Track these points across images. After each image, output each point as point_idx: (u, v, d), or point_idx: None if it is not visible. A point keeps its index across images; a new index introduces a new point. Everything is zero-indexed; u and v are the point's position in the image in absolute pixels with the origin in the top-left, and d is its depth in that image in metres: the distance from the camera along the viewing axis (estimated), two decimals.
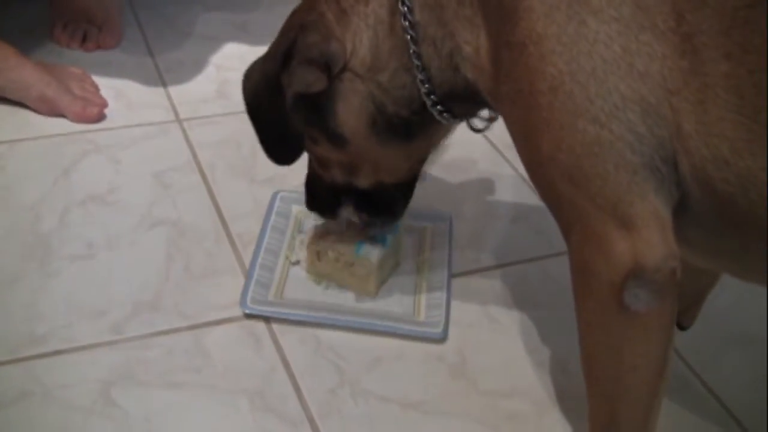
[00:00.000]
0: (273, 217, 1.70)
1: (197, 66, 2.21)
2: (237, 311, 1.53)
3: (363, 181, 1.45)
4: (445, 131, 1.42)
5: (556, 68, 1.02)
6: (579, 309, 1.13)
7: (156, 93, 2.11)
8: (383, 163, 1.41)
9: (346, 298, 1.58)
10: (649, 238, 1.02)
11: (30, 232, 1.66)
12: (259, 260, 1.61)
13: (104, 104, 2.01)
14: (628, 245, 1.02)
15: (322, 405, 1.39)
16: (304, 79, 1.28)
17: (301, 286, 1.60)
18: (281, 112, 1.31)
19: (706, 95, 0.96)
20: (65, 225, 1.68)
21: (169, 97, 2.09)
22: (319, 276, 1.60)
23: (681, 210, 1.04)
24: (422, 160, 1.48)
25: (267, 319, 1.52)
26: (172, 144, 1.94)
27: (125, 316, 1.51)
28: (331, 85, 1.30)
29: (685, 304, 1.47)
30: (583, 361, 1.17)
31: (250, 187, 1.82)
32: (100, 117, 1.98)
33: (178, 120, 2.01)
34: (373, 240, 1.56)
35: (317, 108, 1.33)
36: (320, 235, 1.59)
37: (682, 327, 1.50)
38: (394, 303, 1.57)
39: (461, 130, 1.45)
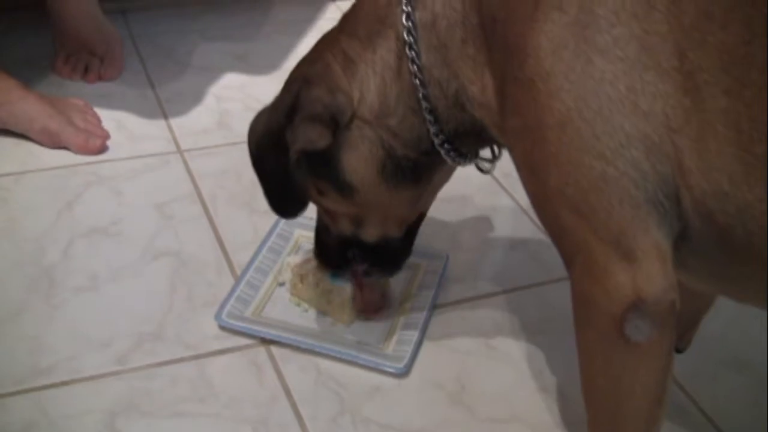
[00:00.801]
0: (272, 238, 1.73)
1: (197, 97, 2.22)
2: (239, 341, 1.54)
3: (369, 234, 1.45)
4: (448, 174, 1.43)
5: (564, 105, 1.03)
6: (580, 338, 1.14)
7: (157, 124, 2.12)
8: (391, 211, 1.42)
9: (322, 324, 1.59)
10: (650, 270, 1.03)
11: (34, 265, 1.67)
12: (247, 277, 1.64)
13: (106, 136, 2.03)
14: (629, 278, 1.04)
15: None
16: (308, 137, 1.28)
17: (282, 307, 1.62)
18: (285, 167, 1.32)
19: (706, 131, 0.97)
20: (69, 257, 1.70)
21: (170, 129, 2.11)
22: (300, 299, 1.62)
23: (682, 240, 1.05)
24: (423, 213, 1.50)
25: (268, 348, 1.54)
26: (173, 175, 1.96)
27: (129, 347, 1.52)
28: (338, 136, 1.29)
29: (681, 328, 1.48)
30: (583, 388, 1.18)
31: (251, 217, 1.84)
32: (103, 149, 2.00)
33: (179, 151, 2.03)
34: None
35: (325, 159, 1.32)
36: (307, 259, 1.61)
37: (677, 350, 1.51)
38: (366, 334, 1.58)
39: None
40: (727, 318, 1.66)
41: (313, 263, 1.58)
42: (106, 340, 1.53)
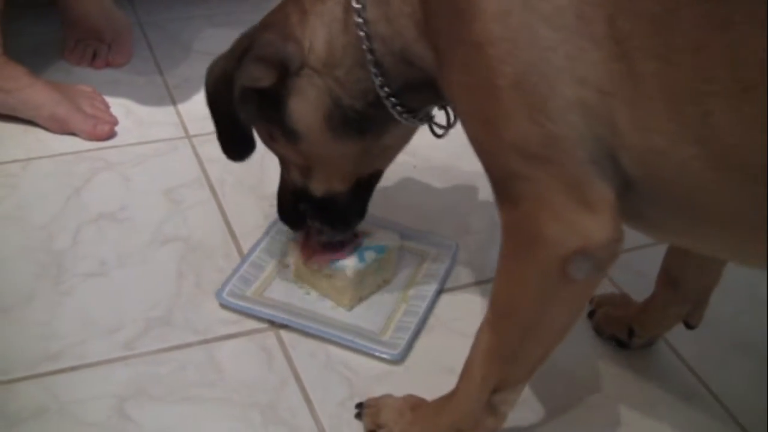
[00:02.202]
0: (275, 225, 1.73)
1: None
2: (248, 325, 1.55)
3: (316, 187, 1.49)
4: (403, 136, 1.46)
5: (514, 69, 1.06)
6: (511, 268, 1.18)
7: (165, 110, 2.13)
8: (336, 162, 1.45)
9: (322, 307, 1.60)
10: (602, 219, 1.07)
11: (43, 251, 1.68)
12: (252, 258, 1.65)
13: (115, 122, 2.03)
14: (583, 223, 1.07)
15: (333, 417, 1.41)
16: (250, 74, 1.33)
17: (284, 288, 1.63)
18: (233, 107, 1.36)
19: (638, 94, 1.01)
20: (78, 243, 1.70)
21: (178, 114, 2.11)
22: (302, 281, 1.63)
23: (632, 192, 1.08)
24: (378, 173, 1.53)
25: (278, 333, 1.54)
26: (181, 161, 1.96)
27: (138, 332, 1.52)
28: (288, 81, 1.34)
29: (691, 304, 1.49)
30: (500, 304, 1.22)
31: (260, 202, 1.84)
32: (111, 135, 2.00)
33: (188, 136, 2.03)
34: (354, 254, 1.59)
35: (275, 104, 1.37)
36: (311, 242, 1.61)
37: (689, 326, 1.52)
38: (365, 319, 1.59)
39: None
40: (737, 302, 1.66)
41: (318, 246, 1.60)
42: (115, 325, 1.53)
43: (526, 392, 1.45)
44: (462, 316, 1.59)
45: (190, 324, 1.55)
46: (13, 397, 1.40)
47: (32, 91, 1.99)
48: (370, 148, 1.43)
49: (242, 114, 1.37)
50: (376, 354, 1.51)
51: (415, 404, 1.37)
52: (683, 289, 1.47)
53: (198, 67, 2.24)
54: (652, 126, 1.01)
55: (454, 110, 1.41)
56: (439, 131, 1.46)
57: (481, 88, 1.10)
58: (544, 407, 1.45)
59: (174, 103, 2.14)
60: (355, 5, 1.25)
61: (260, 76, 1.33)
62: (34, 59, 2.14)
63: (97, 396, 1.41)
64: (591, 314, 1.60)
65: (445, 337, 1.56)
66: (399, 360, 1.51)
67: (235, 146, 1.45)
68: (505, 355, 1.22)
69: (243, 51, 1.33)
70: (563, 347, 1.53)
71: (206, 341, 1.52)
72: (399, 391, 1.41)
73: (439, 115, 1.46)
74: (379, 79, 1.30)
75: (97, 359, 1.47)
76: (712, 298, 1.56)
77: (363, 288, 1.60)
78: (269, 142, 1.47)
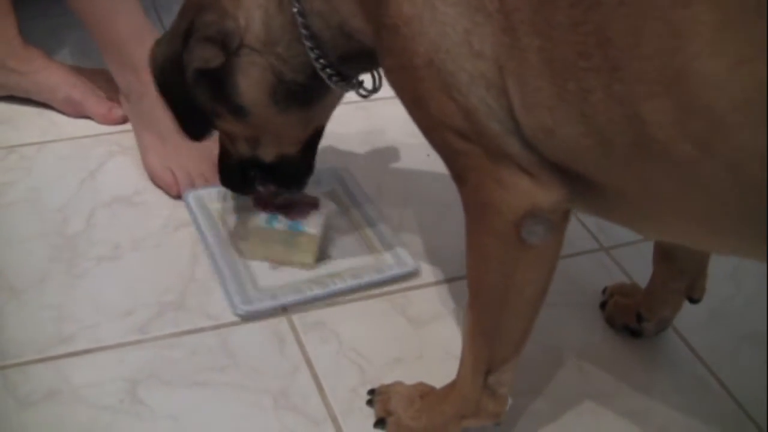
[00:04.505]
0: (201, 219, 1.71)
1: None
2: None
3: (266, 153, 1.52)
4: (338, 98, 1.50)
5: (424, 47, 1.09)
6: (474, 243, 1.20)
7: None
8: (284, 131, 1.48)
9: (303, 273, 1.62)
10: (545, 182, 1.09)
11: (57, 234, 1.68)
12: (221, 264, 1.61)
13: None
14: (527, 187, 1.09)
15: (345, 404, 1.42)
16: (202, 56, 1.35)
17: (260, 272, 1.63)
18: (186, 90, 1.39)
19: (525, 69, 1.02)
20: (92, 226, 1.70)
21: None
22: (258, 257, 1.64)
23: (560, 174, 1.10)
24: (320, 130, 1.56)
25: (290, 319, 1.54)
26: None
27: (151, 316, 1.53)
28: (229, 60, 1.36)
29: (691, 276, 1.49)
30: (472, 284, 1.23)
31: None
32: (126, 118, 1.99)
33: None
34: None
35: (219, 83, 1.39)
36: (247, 218, 1.64)
37: (693, 300, 1.51)
38: (351, 261, 1.65)
39: None
40: (747, 292, 1.66)
41: (256, 220, 1.61)
42: (128, 309, 1.54)
43: (538, 381, 1.46)
44: None
45: (203, 309, 1.55)
46: (26, 380, 1.41)
47: (47, 73, 1.99)
48: (314, 112, 1.47)
49: (199, 96, 1.41)
50: (402, 274, 1.63)
51: (424, 392, 1.37)
52: (678, 262, 1.47)
53: None
54: (539, 102, 1.02)
55: None
56: (364, 93, 1.47)
57: (404, 69, 1.14)
58: (556, 397, 1.46)
59: None
60: None
61: (209, 57, 1.35)
62: (50, 42, 2.15)
63: (109, 379, 1.42)
64: (603, 305, 1.61)
65: (456, 326, 1.56)
66: (418, 271, 1.65)
67: (194, 126, 1.49)
68: (487, 332, 1.24)
69: (185, 33, 1.35)
70: (575, 337, 1.54)
71: (219, 326, 1.52)
72: (410, 378, 1.42)
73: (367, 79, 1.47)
74: (315, 51, 1.32)
75: (109, 343, 1.48)
76: (722, 290, 1.57)
77: (268, 249, 1.62)
78: (216, 121, 1.49)
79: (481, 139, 1.09)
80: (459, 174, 1.17)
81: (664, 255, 1.48)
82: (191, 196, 1.75)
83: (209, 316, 1.54)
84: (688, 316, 1.56)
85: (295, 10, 1.29)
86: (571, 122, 1.01)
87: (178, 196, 1.77)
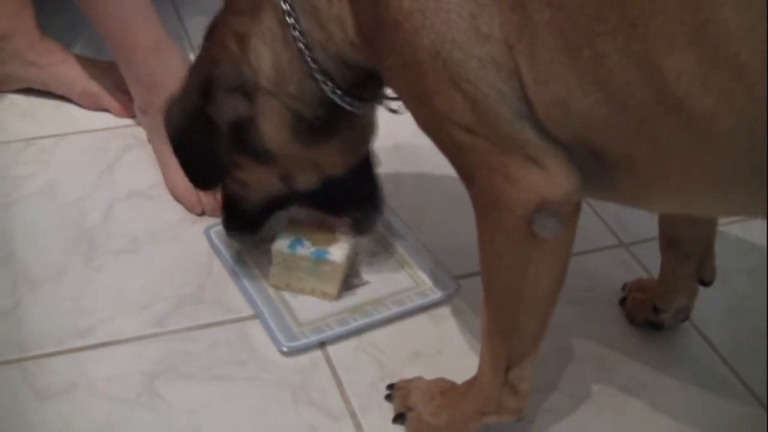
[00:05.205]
0: (226, 252, 1.65)
1: None
2: None
3: (306, 181, 1.46)
4: (369, 116, 1.46)
5: (429, 39, 1.08)
6: (485, 240, 1.19)
7: None
8: (319, 161, 1.44)
9: (343, 302, 1.57)
10: (555, 173, 1.09)
11: (75, 227, 1.68)
12: (255, 298, 1.55)
13: None
14: (536, 181, 1.09)
15: (363, 399, 1.41)
16: (233, 107, 1.33)
17: (300, 304, 1.56)
18: (208, 144, 1.37)
19: (537, 44, 1.02)
20: (109, 220, 1.70)
21: None
22: (281, 287, 1.57)
23: (570, 153, 1.10)
24: (363, 148, 1.50)
25: None
26: None
27: (169, 310, 1.53)
28: (250, 107, 1.34)
29: (697, 259, 1.48)
30: (487, 280, 1.23)
31: None
32: None
33: None
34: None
35: (244, 133, 1.36)
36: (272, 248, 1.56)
37: (704, 283, 1.51)
38: (389, 285, 1.61)
39: None
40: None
41: (279, 245, 1.54)
42: (146, 302, 1.54)
43: (557, 378, 1.45)
44: None
45: (221, 302, 1.55)
46: (43, 373, 1.41)
47: (65, 66, 1.99)
48: (349, 136, 1.43)
49: (219, 149, 1.38)
50: (445, 297, 1.59)
51: (444, 388, 1.37)
52: (684, 246, 1.47)
53: None
54: (553, 76, 1.02)
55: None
56: (394, 107, 1.44)
57: (408, 65, 1.13)
58: (575, 393, 1.45)
59: None
60: (290, 20, 1.26)
61: (241, 108, 1.34)
62: (68, 35, 2.14)
63: (127, 373, 1.42)
64: (622, 301, 1.60)
65: (475, 321, 1.55)
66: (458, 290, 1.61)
67: (208, 179, 1.48)
68: (503, 329, 1.24)
69: (202, 88, 1.34)
70: (595, 334, 1.53)
71: (237, 320, 1.52)
72: (429, 373, 1.41)
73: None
74: (329, 85, 1.30)
75: (127, 336, 1.48)
76: (740, 287, 1.56)
77: (290, 276, 1.56)
78: (236, 174, 1.45)
79: (489, 129, 1.08)
80: (466, 172, 1.16)
81: (669, 241, 1.48)
82: (213, 232, 1.68)
83: (228, 309, 1.54)
84: (707, 312, 1.56)
85: (301, 45, 1.27)
86: (586, 91, 1.01)
87: (201, 214, 1.74)
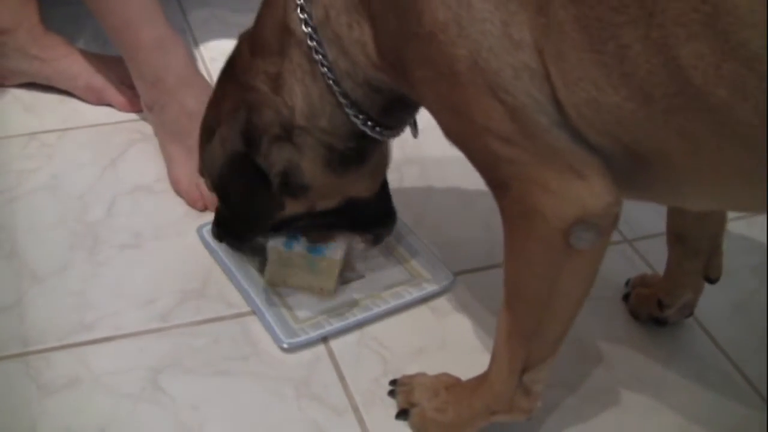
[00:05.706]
0: (223, 252, 1.63)
1: None
2: None
3: (327, 204, 1.45)
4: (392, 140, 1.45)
5: (465, 50, 1.07)
6: (516, 248, 1.18)
7: None
8: (348, 187, 1.43)
9: (341, 297, 1.57)
10: (595, 185, 1.07)
11: (78, 221, 1.68)
12: (256, 299, 1.54)
13: None
14: (577, 193, 1.07)
15: (366, 394, 1.41)
16: (284, 157, 1.32)
17: (294, 299, 1.56)
18: (253, 190, 1.34)
19: (564, 44, 1.01)
20: (113, 214, 1.71)
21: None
22: (277, 284, 1.57)
23: (604, 156, 1.09)
24: (386, 168, 1.50)
25: None
26: None
27: (173, 304, 1.53)
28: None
29: (704, 256, 1.48)
30: (511, 285, 1.22)
31: None
32: None
33: None
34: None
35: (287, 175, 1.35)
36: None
37: (710, 280, 1.51)
38: (386, 278, 1.61)
39: None
40: None
41: (275, 243, 1.54)
42: (150, 297, 1.54)
43: (564, 375, 1.45)
44: (496, 295, 1.58)
45: (224, 297, 1.55)
46: (47, 367, 1.41)
47: (69, 60, 1.99)
48: (375, 164, 1.43)
49: (268, 195, 1.35)
50: (442, 290, 1.60)
51: (449, 384, 1.37)
52: (691, 242, 1.46)
53: (235, 40, 2.25)
54: (581, 75, 1.01)
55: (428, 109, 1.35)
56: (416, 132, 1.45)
57: (443, 77, 1.11)
58: (579, 389, 1.45)
59: (210, 76, 2.12)
60: (317, 56, 1.24)
61: (294, 156, 1.33)
62: (71, 29, 2.14)
63: (131, 367, 1.42)
64: (626, 297, 1.60)
65: (479, 316, 1.56)
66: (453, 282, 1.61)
67: (257, 226, 1.44)
68: (526, 334, 1.22)
69: (244, 135, 1.31)
70: (599, 330, 1.53)
71: (241, 315, 1.52)
72: (433, 369, 1.41)
73: None
74: (360, 118, 1.30)
75: (131, 330, 1.48)
76: (746, 284, 1.56)
77: (287, 274, 1.56)
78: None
79: (529, 139, 1.07)
80: (500, 183, 1.14)
81: (676, 236, 1.47)
82: (205, 231, 1.66)
83: (231, 304, 1.54)
84: (711, 309, 1.56)
85: (330, 79, 1.26)
86: (614, 87, 1.00)
87: (204, 210, 1.74)
